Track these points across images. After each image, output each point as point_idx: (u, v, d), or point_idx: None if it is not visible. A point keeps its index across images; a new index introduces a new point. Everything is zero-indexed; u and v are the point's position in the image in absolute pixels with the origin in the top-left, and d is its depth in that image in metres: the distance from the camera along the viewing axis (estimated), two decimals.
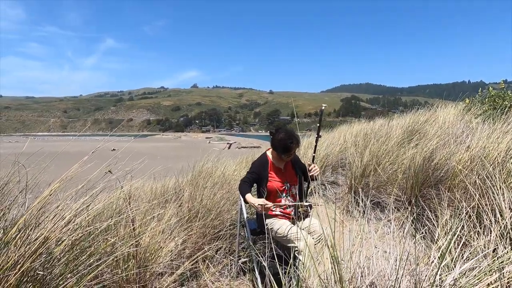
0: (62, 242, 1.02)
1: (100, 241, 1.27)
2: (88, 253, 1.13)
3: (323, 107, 2.37)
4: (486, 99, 5.06)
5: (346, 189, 3.75)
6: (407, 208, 2.79)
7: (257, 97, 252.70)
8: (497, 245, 1.21)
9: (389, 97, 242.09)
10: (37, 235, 0.96)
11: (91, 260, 1.11)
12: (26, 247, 0.92)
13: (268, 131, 2.50)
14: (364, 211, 2.97)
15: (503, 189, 1.46)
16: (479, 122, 4.17)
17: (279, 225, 2.20)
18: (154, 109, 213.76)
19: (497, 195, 1.45)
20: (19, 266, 0.89)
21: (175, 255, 2.19)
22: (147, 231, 1.86)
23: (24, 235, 0.95)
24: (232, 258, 2.50)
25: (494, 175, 1.86)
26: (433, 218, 2.11)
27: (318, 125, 2.37)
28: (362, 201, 3.09)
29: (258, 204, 2.01)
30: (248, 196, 2.11)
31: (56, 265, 1.03)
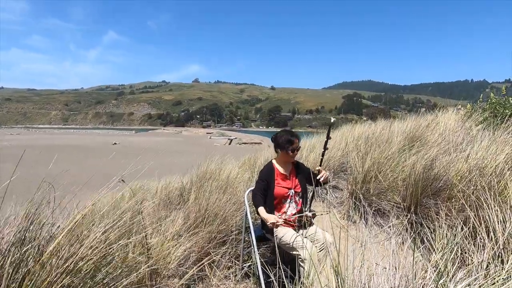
0: (90, 260, 1.10)
1: (119, 253, 1.36)
2: (110, 266, 1.22)
3: (332, 120, 2.39)
4: (487, 106, 5.11)
5: (347, 194, 3.82)
6: (406, 216, 2.87)
7: (259, 93, 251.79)
8: (489, 264, 1.29)
9: (391, 94, 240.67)
10: (69, 255, 1.05)
11: (114, 274, 1.20)
12: (60, 268, 1.00)
13: (271, 138, 2.59)
14: (365, 218, 3.05)
15: (497, 209, 1.53)
16: (480, 130, 4.23)
17: (283, 233, 2.27)
18: (155, 103, 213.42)
19: (491, 214, 1.52)
20: (54, 285, 0.98)
21: (183, 259, 2.29)
22: (157, 239, 1.95)
23: (59, 255, 1.03)
24: (237, 262, 2.60)
25: (490, 189, 1.93)
26: (431, 228, 2.18)
27: (326, 139, 2.40)
28: (363, 208, 3.17)
29: (271, 222, 2.15)
30: (261, 210, 2.24)
31: (83, 281, 1.12)
